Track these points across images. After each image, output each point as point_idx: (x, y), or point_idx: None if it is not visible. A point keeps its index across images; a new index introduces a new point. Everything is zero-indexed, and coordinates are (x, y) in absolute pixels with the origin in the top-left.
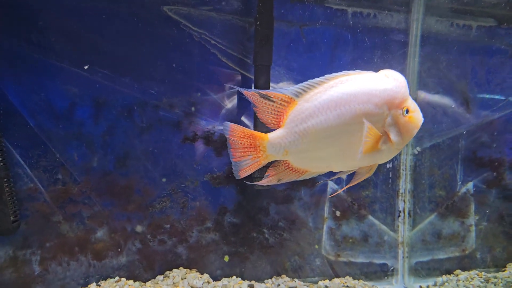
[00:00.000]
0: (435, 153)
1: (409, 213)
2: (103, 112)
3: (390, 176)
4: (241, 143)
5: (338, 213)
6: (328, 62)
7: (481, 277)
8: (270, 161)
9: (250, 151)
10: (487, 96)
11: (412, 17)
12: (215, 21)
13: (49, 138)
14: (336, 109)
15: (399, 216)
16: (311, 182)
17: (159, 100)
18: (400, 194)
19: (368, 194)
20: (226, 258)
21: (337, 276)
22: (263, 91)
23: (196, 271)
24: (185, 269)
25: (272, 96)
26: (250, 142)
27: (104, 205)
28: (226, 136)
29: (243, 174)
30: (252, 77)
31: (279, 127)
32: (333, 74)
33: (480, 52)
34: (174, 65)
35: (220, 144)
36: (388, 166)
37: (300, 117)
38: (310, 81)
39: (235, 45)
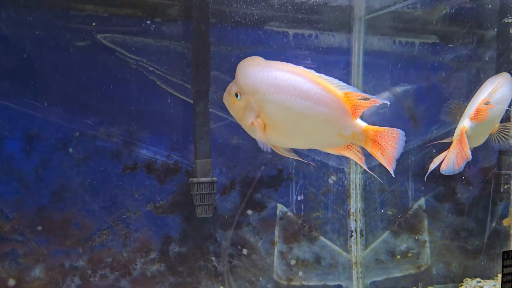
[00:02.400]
0: (384, 170)
1: (361, 233)
2: (36, 145)
3: (341, 196)
4: None
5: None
6: None
7: None
8: None
9: None
10: (434, 110)
11: (354, 37)
12: (152, 47)
13: None
14: None
15: (351, 236)
16: (259, 206)
17: (96, 130)
18: (352, 214)
19: (318, 215)
20: None
21: None
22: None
23: None
24: None
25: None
26: None
27: (39, 241)
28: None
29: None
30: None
31: None
32: None
33: (424, 68)
34: (111, 93)
35: (162, 172)
36: (338, 186)
37: None
38: None
39: (174, 70)
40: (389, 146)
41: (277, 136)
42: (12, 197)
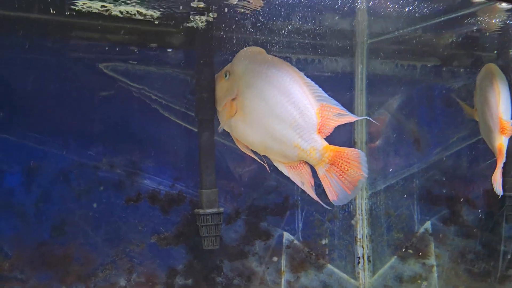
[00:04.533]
0: (389, 195)
1: (368, 259)
2: (36, 178)
3: (347, 222)
4: None
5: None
6: None
7: None
8: None
9: None
10: (437, 132)
11: (357, 61)
12: (155, 75)
13: None
14: None
15: (358, 262)
16: (265, 235)
17: (98, 160)
18: (358, 240)
19: (325, 243)
20: None
21: None
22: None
23: None
24: None
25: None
26: None
27: (39, 278)
28: None
29: None
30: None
31: None
32: None
33: (426, 90)
34: (113, 123)
35: (166, 203)
36: (344, 212)
37: None
38: None
39: (177, 98)
40: (352, 166)
41: (242, 125)
42: (11, 233)
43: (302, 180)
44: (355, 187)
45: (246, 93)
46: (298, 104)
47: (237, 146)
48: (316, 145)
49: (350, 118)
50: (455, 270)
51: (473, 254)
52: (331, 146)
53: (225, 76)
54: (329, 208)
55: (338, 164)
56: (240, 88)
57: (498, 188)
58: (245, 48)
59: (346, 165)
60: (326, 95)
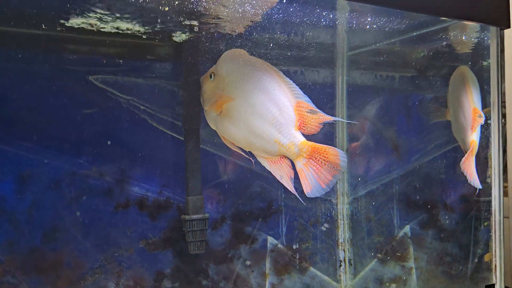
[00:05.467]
0: (370, 200)
1: (349, 262)
2: (28, 186)
3: (329, 226)
4: None
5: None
6: None
7: None
8: None
9: None
10: (415, 140)
11: (337, 72)
12: (143, 86)
13: None
14: None
15: (340, 265)
16: (250, 239)
17: (88, 169)
18: (340, 244)
19: (308, 246)
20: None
21: None
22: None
23: None
24: None
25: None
26: None
27: (31, 283)
28: None
29: None
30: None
31: None
32: None
33: (404, 100)
34: (103, 132)
35: (154, 209)
36: (326, 216)
37: None
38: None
39: (165, 109)
40: (330, 161)
41: (227, 123)
42: (4, 239)
43: (281, 174)
44: (330, 181)
45: (229, 93)
46: (277, 102)
47: (222, 154)
48: (295, 140)
49: (322, 115)
50: (433, 272)
51: (450, 256)
52: (309, 142)
53: (210, 78)
54: (304, 203)
55: (316, 158)
56: (224, 88)
57: (476, 182)
58: (228, 51)
59: (324, 160)
60: (302, 93)
